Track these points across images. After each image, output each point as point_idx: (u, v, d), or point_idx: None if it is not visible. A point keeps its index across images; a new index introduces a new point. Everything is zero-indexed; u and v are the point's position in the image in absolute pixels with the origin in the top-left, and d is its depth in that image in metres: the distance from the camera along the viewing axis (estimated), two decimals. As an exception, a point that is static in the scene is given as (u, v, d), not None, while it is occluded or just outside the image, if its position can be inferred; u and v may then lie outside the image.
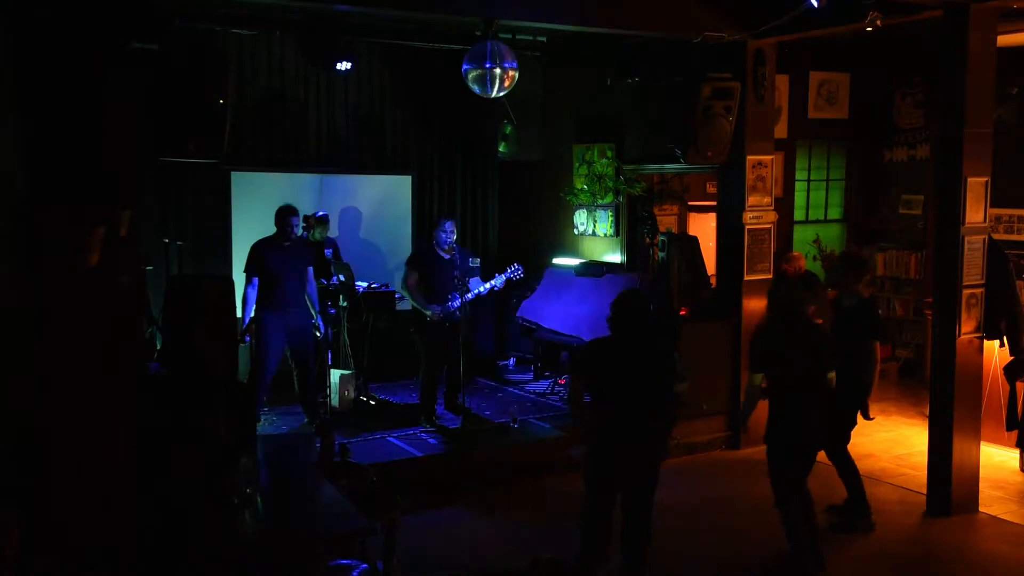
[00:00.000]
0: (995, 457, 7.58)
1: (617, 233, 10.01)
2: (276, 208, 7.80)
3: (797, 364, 5.53)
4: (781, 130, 9.88)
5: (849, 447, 6.39)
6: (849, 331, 6.25)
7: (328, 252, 8.61)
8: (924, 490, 6.82)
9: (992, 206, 6.71)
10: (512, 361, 10.42)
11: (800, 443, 5.59)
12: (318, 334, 8.00)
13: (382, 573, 4.17)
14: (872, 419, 6.40)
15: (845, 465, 6.38)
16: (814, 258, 9.71)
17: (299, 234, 7.91)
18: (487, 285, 8.08)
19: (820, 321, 7.15)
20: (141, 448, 5.20)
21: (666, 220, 10.88)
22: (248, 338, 7.72)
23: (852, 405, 6.25)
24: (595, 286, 9.16)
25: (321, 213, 8.66)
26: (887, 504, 6.77)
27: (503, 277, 8.13)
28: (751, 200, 8.18)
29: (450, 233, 7.89)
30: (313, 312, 7.95)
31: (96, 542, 4.50)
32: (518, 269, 8.16)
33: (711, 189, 10.79)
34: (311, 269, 7.95)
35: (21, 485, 4.64)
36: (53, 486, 4.80)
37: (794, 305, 5.62)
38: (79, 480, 4.91)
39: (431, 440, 7.62)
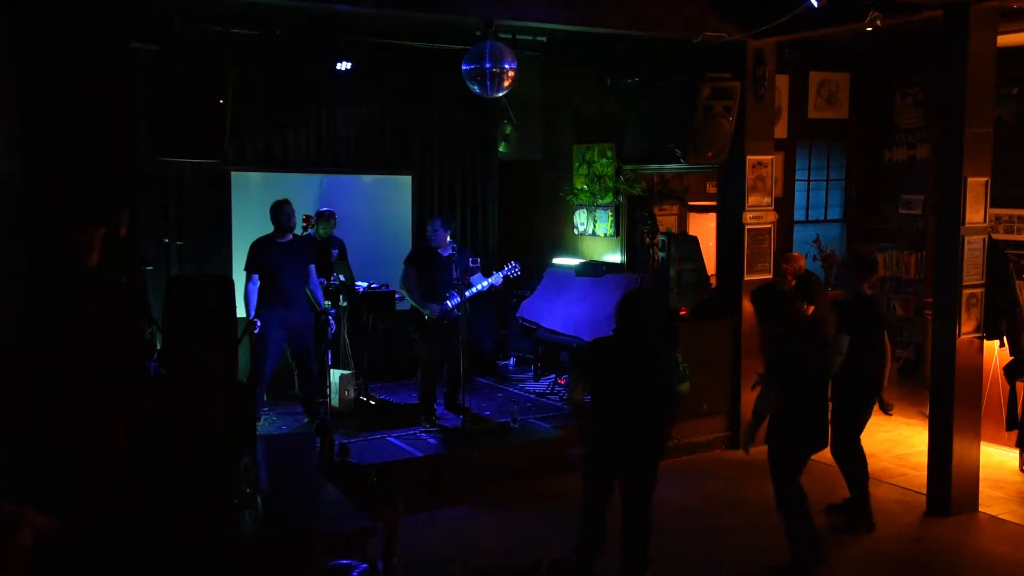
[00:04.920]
0: (995, 457, 7.58)
1: (617, 233, 10.01)
2: (272, 206, 7.82)
3: (810, 367, 5.53)
4: (781, 130, 9.88)
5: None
6: (853, 327, 6.23)
7: (335, 252, 8.59)
8: (924, 490, 6.81)
9: (992, 206, 6.71)
10: (512, 361, 10.43)
11: (806, 444, 5.59)
12: (330, 328, 8.00)
13: (382, 573, 4.18)
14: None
15: (850, 464, 6.37)
16: (814, 258, 9.71)
17: (296, 228, 7.89)
18: (485, 283, 8.08)
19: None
20: (141, 448, 5.21)
21: (666, 220, 10.88)
22: (249, 337, 7.71)
23: (856, 402, 6.25)
24: (595, 286, 9.16)
25: (324, 209, 8.64)
26: (887, 504, 6.77)
27: (500, 275, 8.14)
28: (751, 200, 8.18)
29: (438, 230, 7.88)
30: (318, 308, 7.95)
31: (97, 541, 4.49)
32: (515, 267, 8.16)
33: (711, 189, 10.79)
34: (312, 267, 7.95)
35: (22, 485, 4.64)
36: (54, 487, 4.80)
37: (795, 312, 5.63)
38: (79, 479, 4.91)
39: (431, 440, 7.62)
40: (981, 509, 6.71)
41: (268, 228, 7.80)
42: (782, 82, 9.75)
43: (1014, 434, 7.42)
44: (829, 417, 5.76)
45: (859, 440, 6.41)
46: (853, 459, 6.37)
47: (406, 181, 9.78)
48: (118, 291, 5.20)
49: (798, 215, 10.69)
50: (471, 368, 8.57)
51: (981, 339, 6.71)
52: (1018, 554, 6.07)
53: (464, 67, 7.20)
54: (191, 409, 5.62)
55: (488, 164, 10.24)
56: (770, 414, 5.58)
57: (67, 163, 5.03)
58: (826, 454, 6.06)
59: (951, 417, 6.57)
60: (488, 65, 7.06)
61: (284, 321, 7.73)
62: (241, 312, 7.20)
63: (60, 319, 5.01)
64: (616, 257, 10.00)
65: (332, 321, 8.06)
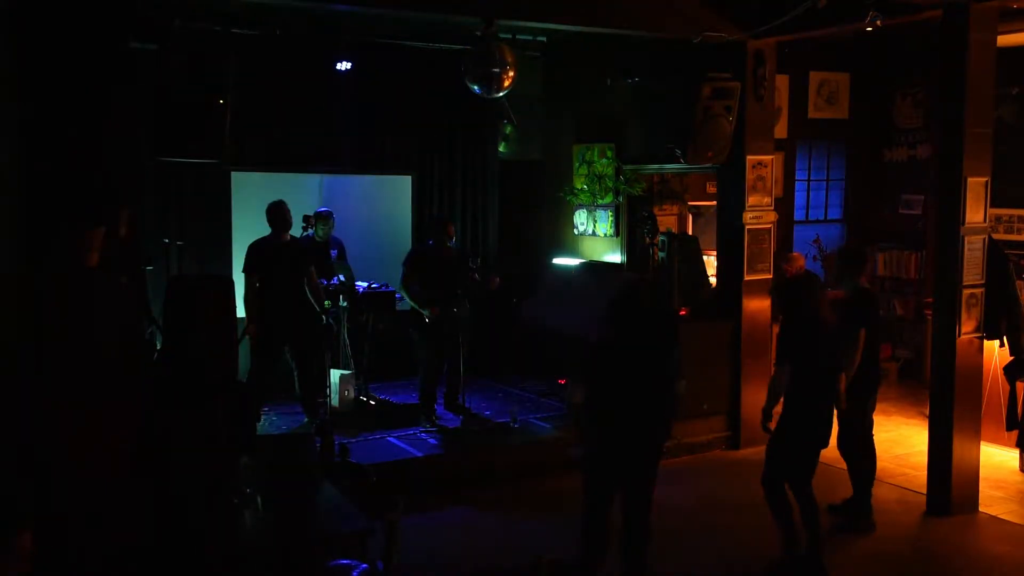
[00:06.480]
0: (995, 457, 7.58)
1: (617, 233, 10.01)
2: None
3: (817, 360, 5.53)
4: (781, 130, 9.88)
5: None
6: (851, 323, 6.22)
7: (334, 252, 8.58)
8: (924, 490, 6.82)
9: (992, 206, 6.71)
10: (512, 361, 10.40)
11: (804, 441, 5.59)
12: (331, 324, 8.00)
13: (382, 573, 4.17)
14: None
15: (857, 461, 6.36)
16: (814, 258, 9.71)
17: (295, 229, 7.89)
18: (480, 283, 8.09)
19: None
20: (142, 449, 5.20)
21: (666, 220, 10.88)
22: (248, 337, 7.71)
23: (859, 399, 6.25)
24: (595, 286, 9.15)
25: (323, 209, 8.64)
26: (887, 504, 6.77)
27: (490, 275, 8.17)
28: (751, 200, 8.18)
29: (451, 236, 7.93)
30: (318, 308, 7.95)
31: (98, 542, 4.49)
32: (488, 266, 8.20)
33: (711, 189, 10.79)
34: (312, 267, 7.95)
35: (22, 487, 4.64)
36: (54, 487, 4.80)
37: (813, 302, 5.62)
38: (80, 481, 4.91)
39: (431, 440, 7.62)
40: (981, 509, 6.71)
41: (267, 228, 7.80)
42: (782, 82, 9.75)
43: (1014, 434, 7.42)
44: (831, 416, 5.75)
45: (871, 437, 6.42)
46: (862, 457, 6.36)
47: (406, 181, 9.78)
48: (118, 291, 5.20)
49: (798, 215, 10.69)
50: (471, 368, 8.58)
51: (981, 339, 6.72)
52: (1018, 554, 6.07)
53: (464, 67, 7.20)
54: (191, 409, 5.62)
55: (488, 164, 10.24)
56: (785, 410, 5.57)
57: (67, 163, 5.03)
58: (827, 452, 6.05)
59: (951, 417, 6.58)
60: (488, 65, 7.06)
61: (283, 322, 7.73)
62: (241, 313, 7.22)
63: (60, 319, 5.00)
64: (616, 257, 10.00)
65: (331, 321, 8.04)
